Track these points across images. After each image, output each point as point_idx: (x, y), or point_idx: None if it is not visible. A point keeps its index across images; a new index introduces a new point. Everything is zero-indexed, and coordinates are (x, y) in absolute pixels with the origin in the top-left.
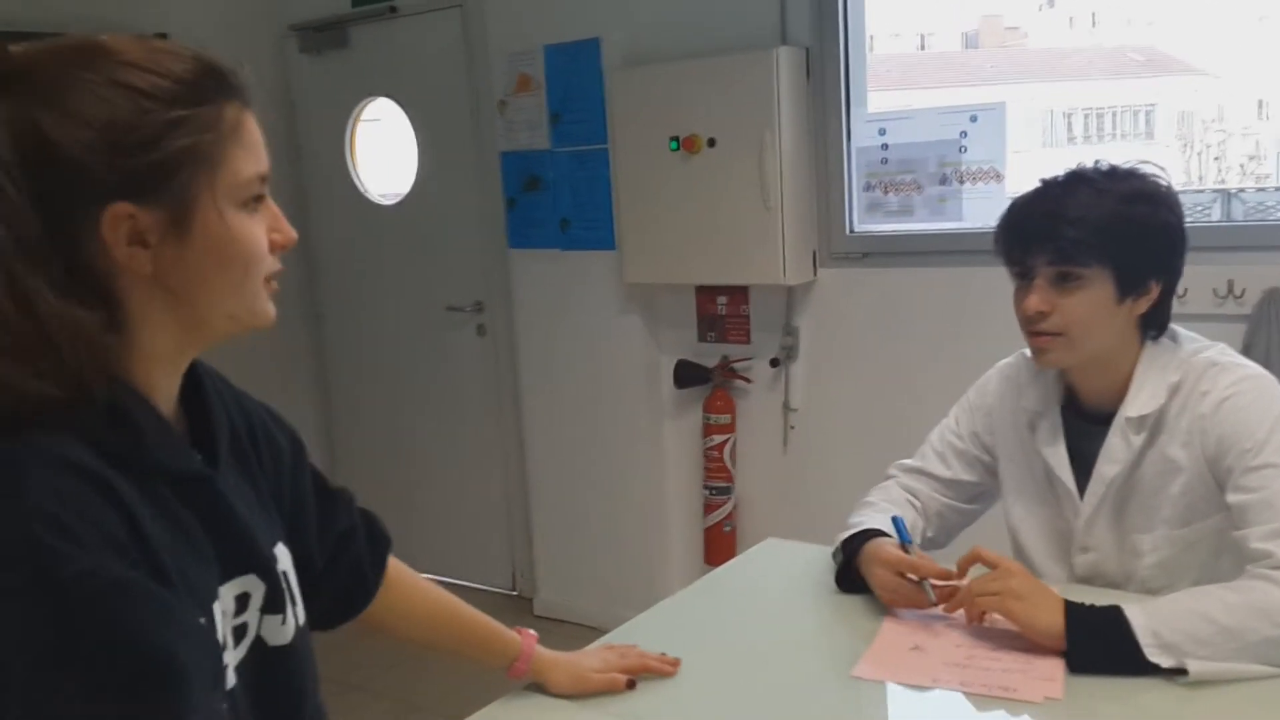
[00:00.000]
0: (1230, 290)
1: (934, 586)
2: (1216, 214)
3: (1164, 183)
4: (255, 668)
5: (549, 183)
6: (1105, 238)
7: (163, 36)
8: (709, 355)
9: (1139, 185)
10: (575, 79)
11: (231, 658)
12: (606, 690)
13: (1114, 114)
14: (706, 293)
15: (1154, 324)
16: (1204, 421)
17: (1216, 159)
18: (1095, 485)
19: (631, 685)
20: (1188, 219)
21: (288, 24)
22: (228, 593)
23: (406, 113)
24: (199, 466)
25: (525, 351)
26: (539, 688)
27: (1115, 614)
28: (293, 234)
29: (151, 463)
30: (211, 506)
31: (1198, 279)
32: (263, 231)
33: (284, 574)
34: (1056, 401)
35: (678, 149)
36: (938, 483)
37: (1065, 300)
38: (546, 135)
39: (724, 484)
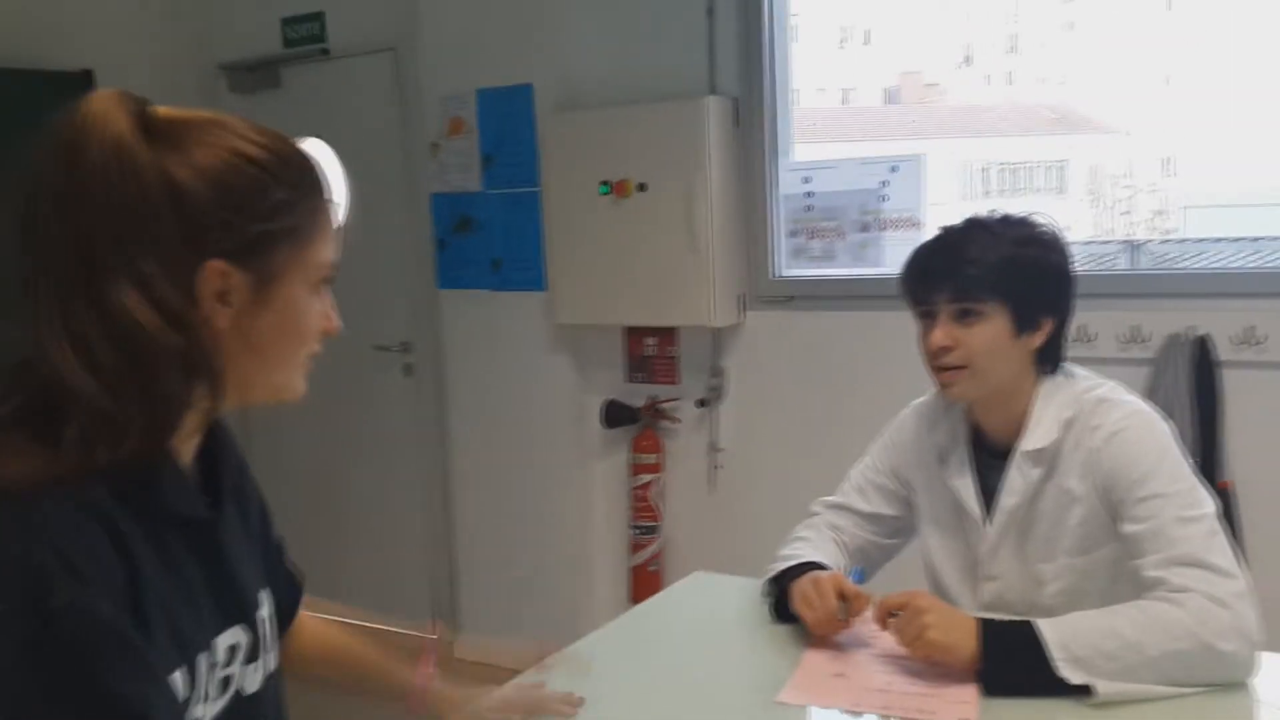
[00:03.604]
0: (1135, 336)
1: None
2: (1124, 263)
3: (1053, 229)
4: (228, 717)
5: (481, 224)
6: (1001, 276)
7: (89, 73)
8: (637, 396)
9: (1030, 231)
10: (508, 123)
11: (209, 710)
12: None
13: (1027, 169)
14: (635, 334)
15: (1048, 360)
16: (1096, 455)
17: (1125, 213)
18: (998, 516)
19: None
20: (1097, 268)
21: (218, 63)
22: (221, 643)
23: (337, 153)
24: (205, 511)
25: (453, 391)
26: None
27: (1027, 628)
28: (339, 324)
29: (161, 506)
30: (214, 555)
31: (1105, 324)
32: (318, 314)
33: (264, 620)
34: (965, 437)
35: (608, 193)
36: (859, 518)
37: (966, 334)
38: (479, 177)
39: (651, 523)
